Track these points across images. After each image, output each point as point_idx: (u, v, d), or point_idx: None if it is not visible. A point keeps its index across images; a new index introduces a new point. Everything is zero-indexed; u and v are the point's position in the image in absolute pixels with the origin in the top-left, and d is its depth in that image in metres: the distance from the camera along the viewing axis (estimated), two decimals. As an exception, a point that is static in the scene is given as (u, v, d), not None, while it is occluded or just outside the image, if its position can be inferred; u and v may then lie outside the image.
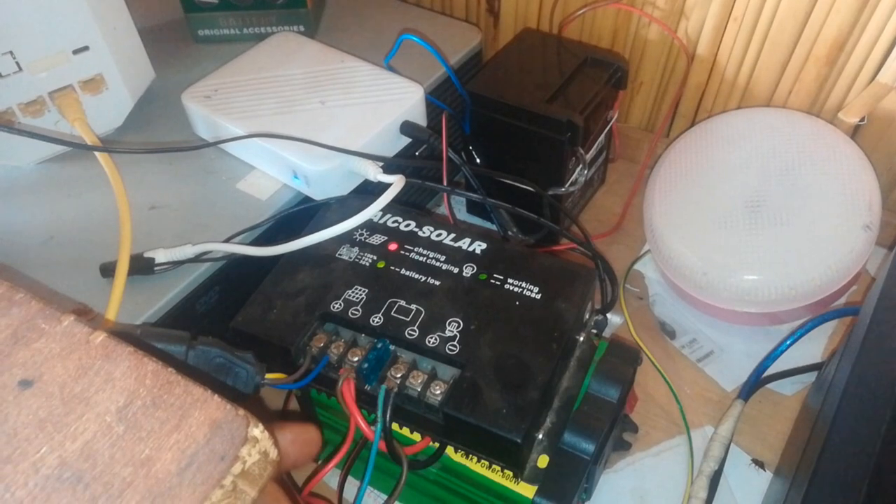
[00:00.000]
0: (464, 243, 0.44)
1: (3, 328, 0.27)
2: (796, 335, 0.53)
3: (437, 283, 0.41)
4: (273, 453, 0.25)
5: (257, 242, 0.47)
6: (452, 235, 0.44)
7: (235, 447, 0.24)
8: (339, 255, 0.43)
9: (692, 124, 0.66)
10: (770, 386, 0.53)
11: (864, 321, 0.40)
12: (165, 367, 0.26)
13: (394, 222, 0.45)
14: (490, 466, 0.39)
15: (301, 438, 0.33)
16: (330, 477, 0.47)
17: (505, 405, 0.36)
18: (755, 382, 0.52)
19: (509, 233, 0.56)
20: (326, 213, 0.46)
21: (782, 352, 0.53)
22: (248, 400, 0.35)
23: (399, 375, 0.38)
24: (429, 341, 0.38)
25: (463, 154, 0.58)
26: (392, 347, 0.39)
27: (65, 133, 0.51)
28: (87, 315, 0.41)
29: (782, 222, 0.52)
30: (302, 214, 0.48)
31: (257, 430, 0.24)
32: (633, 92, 0.68)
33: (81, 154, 0.51)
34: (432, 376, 0.38)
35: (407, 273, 0.42)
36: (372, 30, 0.64)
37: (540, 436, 0.39)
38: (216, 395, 0.25)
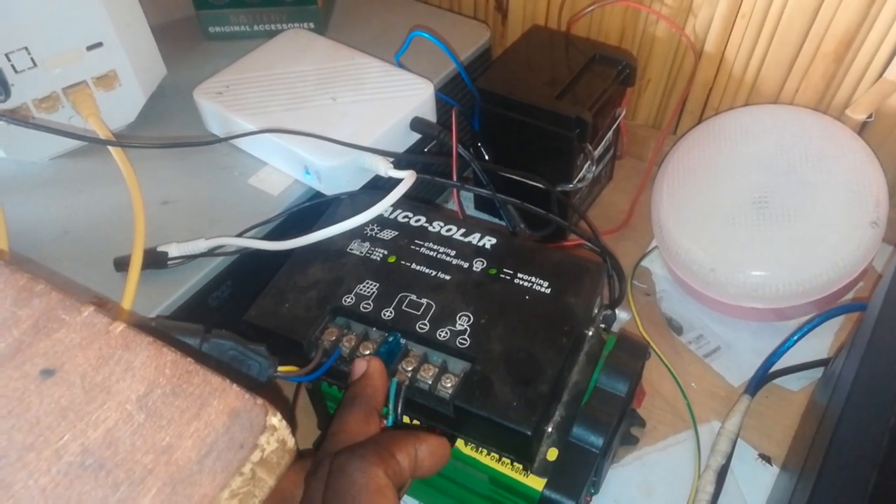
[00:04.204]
0: (474, 238, 0.44)
1: (25, 319, 0.28)
2: (803, 331, 0.53)
3: (448, 277, 0.42)
4: (290, 442, 0.25)
5: (269, 237, 0.48)
6: (462, 230, 0.45)
7: (254, 435, 0.24)
8: (351, 249, 0.44)
9: (699, 121, 0.67)
10: (777, 381, 0.53)
11: (871, 317, 0.41)
12: (184, 357, 0.27)
13: (404, 217, 0.46)
14: (500, 459, 0.39)
15: (438, 452, 0.35)
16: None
17: (515, 398, 0.36)
18: (762, 378, 0.52)
19: (518, 228, 0.56)
20: (338, 208, 0.47)
21: (789, 347, 0.53)
22: (265, 389, 0.35)
23: (410, 369, 0.38)
24: (439, 335, 0.39)
25: (472, 150, 0.58)
26: (403, 341, 0.39)
27: (78, 128, 0.51)
28: (103, 307, 0.41)
29: (789, 219, 0.52)
30: (313, 210, 0.49)
31: (275, 419, 0.25)
32: (640, 89, 0.69)
33: (95, 149, 0.52)
34: (443, 369, 0.38)
35: (417, 267, 0.43)
36: (381, 27, 0.64)
37: (549, 429, 0.39)
38: (235, 385, 0.26)
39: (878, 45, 0.54)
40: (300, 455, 0.37)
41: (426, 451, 0.34)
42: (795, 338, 0.53)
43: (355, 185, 0.50)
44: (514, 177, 0.54)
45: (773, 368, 0.53)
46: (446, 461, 0.36)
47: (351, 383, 0.37)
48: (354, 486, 0.30)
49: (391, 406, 0.37)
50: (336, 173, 0.49)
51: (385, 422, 0.37)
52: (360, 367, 0.37)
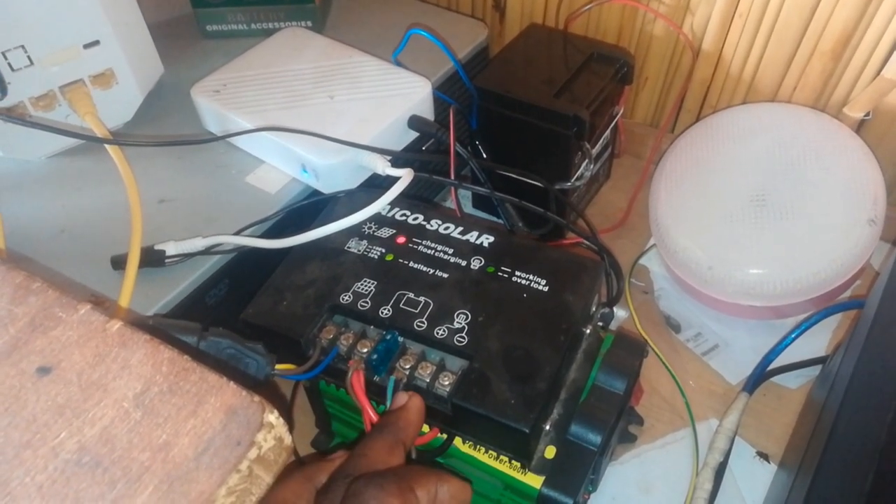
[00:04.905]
0: (471, 236, 0.44)
1: (21, 316, 0.28)
2: (801, 329, 0.53)
3: (446, 275, 0.42)
4: (287, 439, 0.25)
5: (266, 236, 0.48)
6: (460, 229, 0.45)
7: (251, 433, 0.24)
8: (348, 247, 0.44)
9: (697, 119, 0.67)
10: (774, 379, 0.53)
11: (868, 315, 0.41)
12: (181, 354, 0.26)
13: (402, 215, 0.46)
14: (498, 457, 0.39)
15: (459, 495, 0.34)
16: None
17: (513, 396, 0.36)
18: (760, 376, 0.52)
19: (516, 227, 0.56)
20: (335, 206, 0.47)
21: (787, 345, 0.53)
22: (262, 387, 0.35)
23: (408, 367, 0.38)
24: (437, 333, 0.39)
25: (469, 148, 0.58)
26: (401, 339, 0.39)
27: (75, 126, 0.51)
28: (101, 305, 0.41)
29: (787, 217, 0.52)
30: (311, 208, 0.49)
31: (272, 417, 0.25)
32: (638, 87, 0.69)
33: (92, 148, 0.52)
34: (441, 367, 0.38)
35: (415, 266, 0.42)
36: (379, 25, 0.64)
37: (547, 427, 0.39)
38: (232, 382, 0.26)
39: (875, 43, 0.54)
40: (300, 462, 0.37)
41: (447, 494, 0.33)
42: (793, 336, 0.53)
43: (353, 183, 0.50)
44: (512, 175, 0.54)
45: (771, 366, 0.53)
46: None
47: (387, 411, 0.37)
48: None
49: (388, 404, 0.37)
50: (334, 171, 0.48)
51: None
52: (400, 398, 0.37)
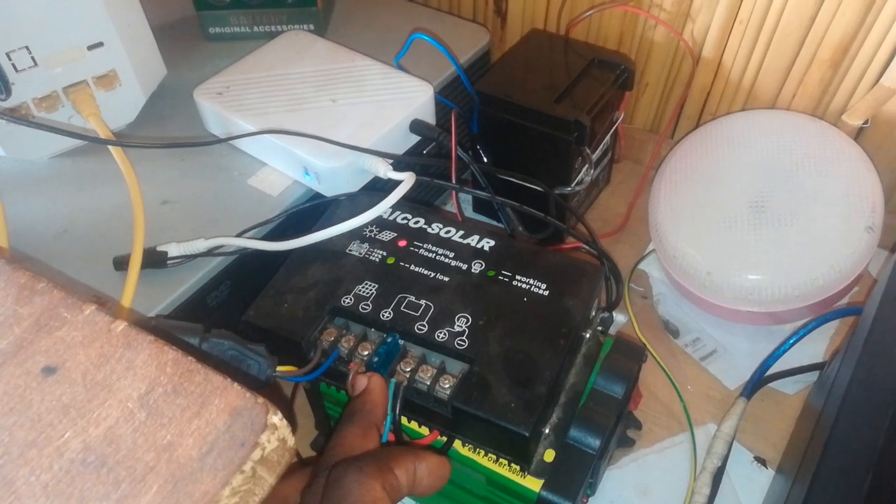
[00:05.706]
0: (472, 240, 0.44)
1: (26, 316, 0.28)
2: (799, 335, 0.53)
3: (446, 279, 0.42)
4: (291, 441, 0.25)
5: (268, 238, 0.48)
6: (461, 232, 0.45)
7: (255, 434, 0.24)
8: (350, 250, 0.44)
9: (697, 126, 0.67)
10: (772, 385, 0.53)
11: (866, 321, 0.41)
12: (185, 355, 0.27)
13: (403, 219, 0.46)
14: (497, 460, 0.40)
15: (437, 471, 0.35)
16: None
17: (513, 399, 0.36)
18: (758, 381, 0.53)
19: (516, 231, 0.56)
20: (337, 209, 0.47)
21: (785, 351, 0.53)
22: (265, 388, 0.35)
23: (408, 369, 0.38)
24: (438, 336, 0.39)
25: (470, 152, 0.58)
26: (401, 342, 0.40)
27: (79, 127, 0.51)
28: (103, 305, 0.41)
29: (786, 223, 0.52)
30: (312, 211, 0.49)
31: (276, 418, 0.25)
32: (638, 93, 0.69)
33: (95, 149, 0.52)
34: (441, 370, 0.39)
35: (416, 269, 0.43)
36: (381, 29, 0.65)
37: (547, 430, 0.39)
38: (235, 384, 0.26)
39: (874, 52, 0.54)
40: (304, 463, 0.37)
41: (425, 470, 0.34)
42: (791, 341, 0.53)
43: (355, 186, 0.50)
44: (513, 179, 0.54)
45: (769, 372, 0.53)
46: (445, 481, 0.35)
47: (351, 398, 0.37)
48: (350, 498, 0.30)
49: (389, 406, 0.37)
50: (336, 174, 0.49)
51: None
52: (360, 382, 0.37)
